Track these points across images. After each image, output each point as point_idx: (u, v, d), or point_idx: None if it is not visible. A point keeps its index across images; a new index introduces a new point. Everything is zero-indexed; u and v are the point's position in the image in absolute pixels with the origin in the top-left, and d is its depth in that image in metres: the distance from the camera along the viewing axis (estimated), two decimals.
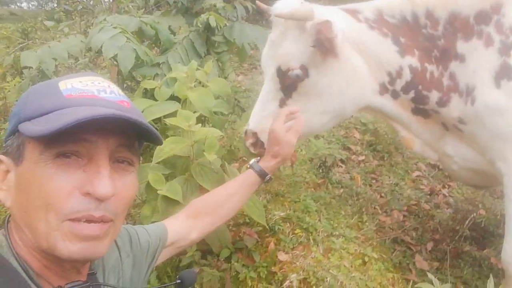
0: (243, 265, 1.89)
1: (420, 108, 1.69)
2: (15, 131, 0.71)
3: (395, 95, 1.67)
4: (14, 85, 4.25)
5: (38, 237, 0.68)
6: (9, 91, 4.23)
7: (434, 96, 1.63)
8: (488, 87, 1.50)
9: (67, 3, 7.57)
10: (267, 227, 2.00)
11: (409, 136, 1.79)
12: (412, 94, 1.65)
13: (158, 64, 2.65)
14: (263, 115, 1.57)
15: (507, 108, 1.48)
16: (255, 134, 1.58)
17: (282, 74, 1.53)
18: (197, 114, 1.80)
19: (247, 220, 2.11)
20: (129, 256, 0.98)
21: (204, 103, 1.91)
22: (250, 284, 1.82)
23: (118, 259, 0.94)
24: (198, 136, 1.72)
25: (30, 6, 17.93)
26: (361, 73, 1.59)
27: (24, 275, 0.68)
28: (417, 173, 3.21)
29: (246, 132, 1.61)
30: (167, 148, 1.69)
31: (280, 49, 1.52)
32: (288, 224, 2.13)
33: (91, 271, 0.83)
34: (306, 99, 1.56)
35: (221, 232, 1.89)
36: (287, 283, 1.80)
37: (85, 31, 6.19)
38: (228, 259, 1.91)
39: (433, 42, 1.59)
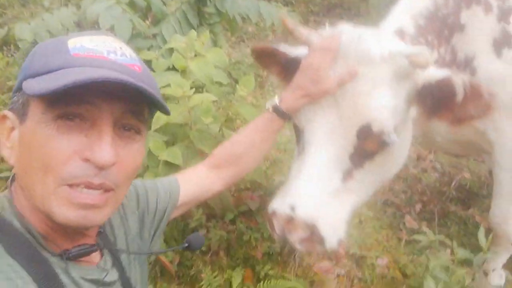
0: (247, 227, 1.97)
1: None
2: (20, 88, 0.67)
3: None
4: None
5: (35, 199, 0.67)
6: None
7: None
8: (489, 57, 1.44)
9: None
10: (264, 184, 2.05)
11: None
12: None
13: (152, 36, 2.64)
14: (321, 195, 1.07)
15: (509, 79, 1.42)
16: (311, 227, 1.05)
17: (367, 136, 1.06)
18: (190, 82, 1.81)
19: (248, 186, 2.18)
20: (134, 213, 0.97)
21: (204, 72, 1.94)
22: (254, 244, 1.92)
23: (123, 218, 0.93)
24: (194, 102, 1.75)
25: None
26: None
27: (28, 236, 0.67)
28: None
29: (291, 220, 1.06)
30: (164, 115, 1.73)
31: (372, 100, 1.04)
32: None
33: (99, 229, 0.82)
34: (378, 169, 1.15)
35: (224, 196, 1.97)
36: None
37: (65, 4, 6.02)
38: (232, 222, 1.99)
39: (445, 22, 1.45)
